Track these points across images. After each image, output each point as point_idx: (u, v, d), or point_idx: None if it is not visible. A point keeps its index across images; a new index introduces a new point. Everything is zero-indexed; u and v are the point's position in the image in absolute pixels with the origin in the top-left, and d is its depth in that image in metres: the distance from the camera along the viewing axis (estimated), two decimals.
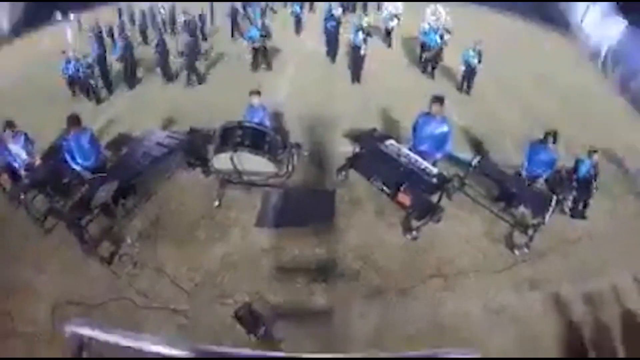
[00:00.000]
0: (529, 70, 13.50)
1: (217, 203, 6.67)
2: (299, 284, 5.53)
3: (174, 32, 16.31)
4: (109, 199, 5.75)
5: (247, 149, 6.26)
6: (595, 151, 6.80)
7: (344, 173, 7.30)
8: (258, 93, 6.97)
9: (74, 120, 6.08)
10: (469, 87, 11.54)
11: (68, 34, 15.50)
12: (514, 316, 5.25)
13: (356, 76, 11.92)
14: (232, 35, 16.03)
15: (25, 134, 6.53)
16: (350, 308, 5.25)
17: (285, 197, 6.85)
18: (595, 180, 6.86)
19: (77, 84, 10.79)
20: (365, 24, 11.78)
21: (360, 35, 11.32)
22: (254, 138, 6.42)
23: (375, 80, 11.97)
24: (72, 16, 16.93)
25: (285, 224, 6.40)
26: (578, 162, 6.91)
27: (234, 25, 16.02)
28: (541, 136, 6.63)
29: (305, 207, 6.79)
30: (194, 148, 7.38)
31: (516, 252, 6.14)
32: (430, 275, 5.70)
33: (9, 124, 6.31)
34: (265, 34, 12.34)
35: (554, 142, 6.45)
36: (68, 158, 6.17)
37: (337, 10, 14.26)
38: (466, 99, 11.31)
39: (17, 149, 6.38)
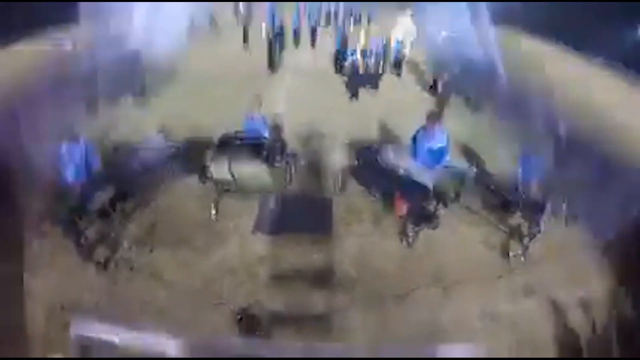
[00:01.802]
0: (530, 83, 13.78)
1: (214, 211, 6.68)
2: (297, 291, 5.51)
3: None
4: (107, 203, 5.75)
5: (245, 157, 6.32)
6: None
7: (341, 182, 7.37)
8: (258, 102, 7.06)
9: (68, 131, 6.12)
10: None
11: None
12: (511, 322, 5.27)
13: (354, 93, 11.90)
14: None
15: None
16: (348, 315, 5.24)
17: (283, 205, 6.88)
18: None
19: None
20: (363, 42, 11.99)
21: (359, 52, 11.52)
22: (252, 147, 6.49)
23: (374, 95, 12.13)
24: None
25: (282, 232, 6.42)
26: None
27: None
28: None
29: (303, 215, 6.83)
30: (192, 155, 7.42)
31: (512, 259, 6.19)
32: (427, 282, 5.71)
33: None
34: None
35: None
36: (60, 168, 6.19)
37: (347, 28, 14.71)
38: (464, 111, 11.49)
39: None
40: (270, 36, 14.72)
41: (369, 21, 21.60)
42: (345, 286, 5.62)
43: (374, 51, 12.53)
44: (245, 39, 16.32)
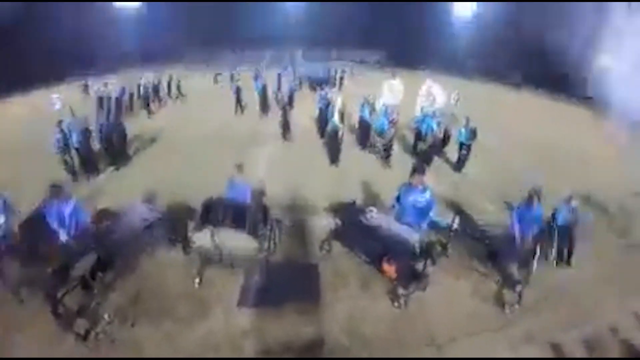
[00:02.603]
0: (507, 134, 14.45)
1: (197, 281, 6.46)
2: None
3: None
4: (87, 272, 5.51)
5: (228, 225, 6.23)
6: (571, 198, 7.02)
7: (327, 246, 7.28)
8: (241, 169, 7.10)
9: (56, 191, 6.01)
10: (462, 164, 11.39)
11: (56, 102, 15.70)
12: None
13: (335, 157, 11.79)
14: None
15: (4, 200, 6.34)
16: None
17: (268, 274, 6.68)
18: (575, 226, 6.98)
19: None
20: (341, 106, 12.31)
21: (337, 116, 11.76)
22: (235, 214, 6.42)
23: (355, 156, 12.38)
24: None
25: (268, 303, 6.17)
26: (555, 211, 7.09)
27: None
28: (524, 197, 6.75)
29: (289, 283, 6.62)
30: (175, 224, 7.29)
31: (507, 309, 6.07)
32: (421, 344, 5.51)
33: None
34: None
35: (539, 200, 6.59)
36: (49, 226, 6.02)
37: (330, 91, 15.38)
38: (444, 166, 11.80)
39: None
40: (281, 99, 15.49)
41: (342, 82, 22.69)
42: (337, 355, 5.35)
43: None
44: (237, 106, 16.95)
